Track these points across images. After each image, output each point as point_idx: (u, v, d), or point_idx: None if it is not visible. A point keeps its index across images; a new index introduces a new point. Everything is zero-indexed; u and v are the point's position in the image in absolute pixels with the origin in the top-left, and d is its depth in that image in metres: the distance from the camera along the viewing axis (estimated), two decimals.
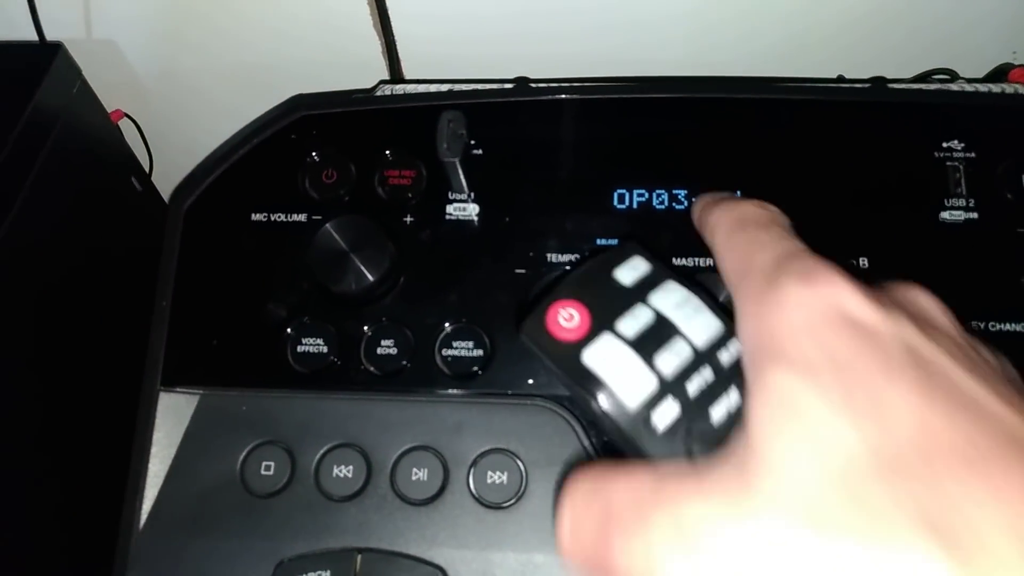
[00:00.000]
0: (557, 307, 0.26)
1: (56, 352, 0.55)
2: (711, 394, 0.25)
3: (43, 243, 0.54)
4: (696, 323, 0.26)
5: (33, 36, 0.56)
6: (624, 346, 0.25)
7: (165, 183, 0.69)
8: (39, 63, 0.55)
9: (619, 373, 0.25)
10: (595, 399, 0.25)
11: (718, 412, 0.25)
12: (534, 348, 0.26)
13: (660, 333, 0.26)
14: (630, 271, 0.27)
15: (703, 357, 0.25)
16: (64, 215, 0.57)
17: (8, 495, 0.50)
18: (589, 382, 0.25)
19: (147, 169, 0.67)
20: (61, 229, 0.56)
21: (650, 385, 0.25)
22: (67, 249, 0.57)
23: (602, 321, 0.26)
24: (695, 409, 0.25)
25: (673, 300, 0.26)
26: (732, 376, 0.25)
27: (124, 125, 0.66)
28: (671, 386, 0.25)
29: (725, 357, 0.25)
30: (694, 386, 0.25)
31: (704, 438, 0.24)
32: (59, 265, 0.56)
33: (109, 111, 0.62)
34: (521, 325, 0.26)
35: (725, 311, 0.26)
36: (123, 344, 0.61)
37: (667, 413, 0.25)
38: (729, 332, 0.26)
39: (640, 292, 0.26)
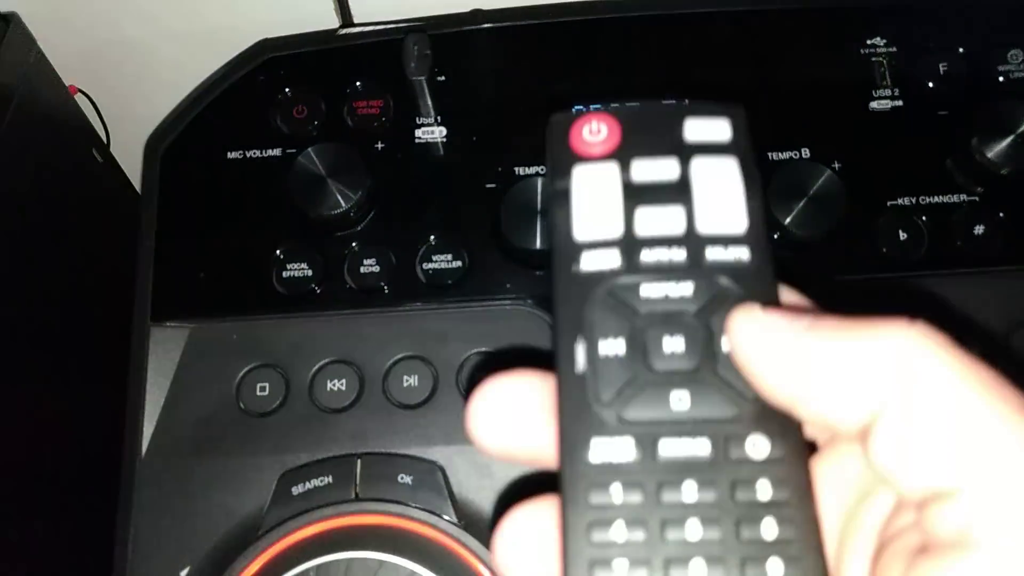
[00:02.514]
0: (593, 118, 0.23)
1: (22, 326, 0.55)
2: (664, 273, 0.21)
3: (7, 217, 0.54)
4: (717, 210, 0.22)
5: None
6: (617, 180, 0.22)
7: (123, 156, 0.70)
8: None
9: (590, 197, 0.22)
10: (552, 208, 0.22)
11: (652, 294, 0.21)
12: (548, 145, 0.23)
13: (666, 194, 0.22)
14: (703, 128, 0.23)
15: (690, 241, 0.21)
16: (28, 188, 0.57)
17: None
18: (559, 191, 0.22)
19: (105, 143, 0.68)
20: (25, 202, 0.57)
21: (608, 228, 0.22)
22: (33, 223, 0.58)
23: (623, 153, 0.22)
24: (633, 273, 0.21)
25: (714, 173, 0.22)
26: (705, 291, 0.21)
27: (79, 101, 0.66)
28: (629, 243, 0.21)
29: (713, 256, 0.21)
30: (653, 257, 0.21)
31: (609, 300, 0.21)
32: (26, 239, 0.57)
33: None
34: (551, 117, 0.23)
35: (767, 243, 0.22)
36: (94, 309, 0.62)
37: (602, 260, 0.21)
38: (751, 240, 0.21)
39: (689, 150, 0.22)
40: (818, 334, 0.19)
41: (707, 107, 0.23)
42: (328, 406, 0.43)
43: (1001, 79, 0.46)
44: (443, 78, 0.47)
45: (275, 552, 0.40)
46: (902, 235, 0.43)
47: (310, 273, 0.44)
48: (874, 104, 0.46)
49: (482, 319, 0.44)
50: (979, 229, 0.43)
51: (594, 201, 0.22)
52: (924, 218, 0.44)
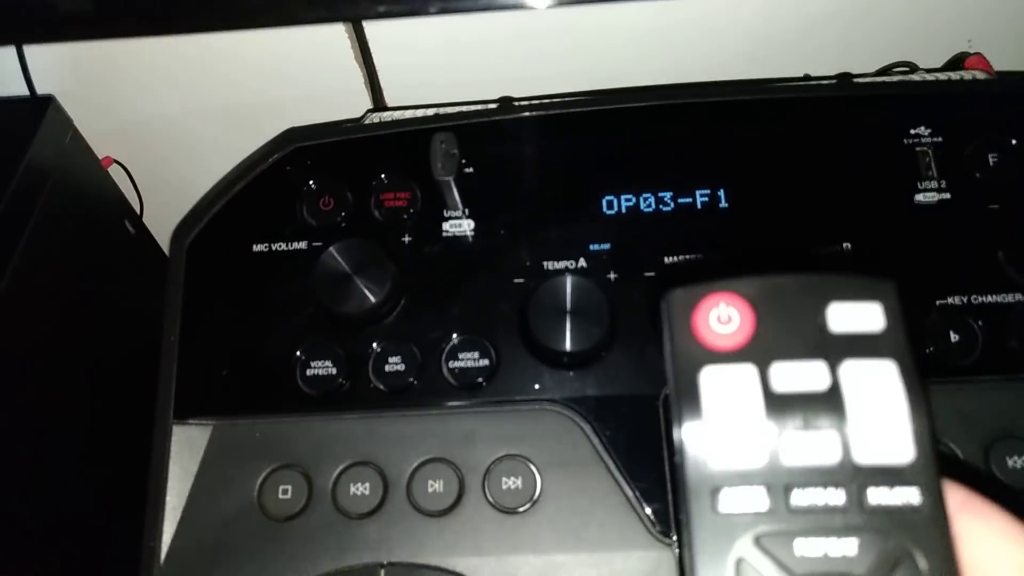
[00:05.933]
0: (721, 299, 0.19)
1: (62, 401, 0.56)
2: (821, 522, 0.18)
3: (43, 293, 0.55)
4: (877, 434, 0.18)
5: (24, 91, 0.57)
6: (757, 390, 0.19)
7: (156, 225, 0.70)
8: (31, 117, 0.56)
9: (727, 419, 0.19)
10: (679, 422, 0.19)
11: (809, 551, 0.18)
12: (664, 325, 0.20)
13: (815, 411, 0.19)
14: (850, 317, 0.19)
15: (847, 477, 0.18)
16: (61, 264, 0.58)
17: (29, 544, 0.50)
18: (687, 400, 0.19)
19: (138, 212, 0.68)
20: (60, 277, 0.57)
21: (752, 460, 0.19)
22: (67, 296, 0.58)
23: (759, 350, 0.19)
24: (784, 521, 0.18)
25: (871, 383, 0.19)
26: (869, 537, 0.18)
27: (114, 171, 0.67)
28: (775, 478, 0.18)
29: (876, 500, 0.18)
30: (806, 500, 0.18)
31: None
32: (60, 313, 0.57)
33: (100, 157, 0.63)
34: (667, 291, 0.20)
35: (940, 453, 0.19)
36: (129, 386, 0.62)
37: (746, 500, 0.18)
38: (920, 478, 0.18)
39: (838, 348, 0.19)
40: None
41: (853, 287, 0.19)
42: (351, 511, 0.41)
43: None
44: (471, 170, 0.46)
45: None
46: (953, 337, 0.41)
47: (334, 372, 0.44)
48: (919, 196, 0.44)
49: (510, 421, 0.42)
50: None
51: (732, 418, 0.19)
52: (978, 319, 0.41)
